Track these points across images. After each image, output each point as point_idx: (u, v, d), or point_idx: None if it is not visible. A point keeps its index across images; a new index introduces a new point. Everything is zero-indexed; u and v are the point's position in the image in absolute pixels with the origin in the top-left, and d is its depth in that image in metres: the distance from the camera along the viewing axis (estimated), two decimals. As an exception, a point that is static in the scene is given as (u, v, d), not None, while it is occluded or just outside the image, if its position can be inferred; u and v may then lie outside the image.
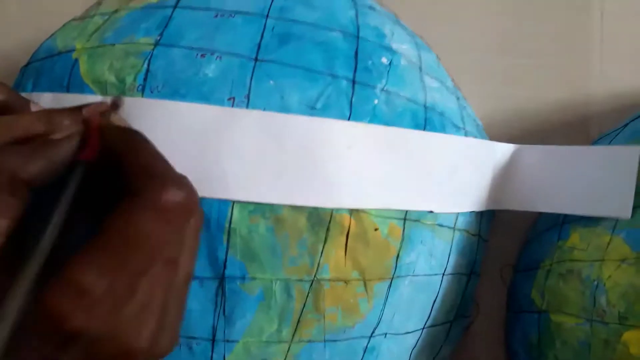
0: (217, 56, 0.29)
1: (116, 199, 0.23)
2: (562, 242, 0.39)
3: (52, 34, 0.37)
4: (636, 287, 0.32)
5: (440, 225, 0.34)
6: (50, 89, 0.31)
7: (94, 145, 0.24)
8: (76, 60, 0.31)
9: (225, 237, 0.29)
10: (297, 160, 0.29)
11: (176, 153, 0.27)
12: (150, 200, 0.22)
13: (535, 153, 0.38)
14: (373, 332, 0.32)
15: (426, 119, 0.33)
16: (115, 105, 0.27)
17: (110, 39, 0.31)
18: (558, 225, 0.40)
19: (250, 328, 0.29)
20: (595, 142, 0.46)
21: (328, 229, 0.30)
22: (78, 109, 0.27)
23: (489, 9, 0.51)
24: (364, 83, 0.31)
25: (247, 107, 0.29)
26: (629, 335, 0.32)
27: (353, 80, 0.31)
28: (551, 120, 0.49)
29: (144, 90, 0.29)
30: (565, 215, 0.40)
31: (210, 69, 0.29)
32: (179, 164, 0.26)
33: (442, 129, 0.34)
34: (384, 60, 0.33)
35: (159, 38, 0.30)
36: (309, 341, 0.30)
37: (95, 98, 0.29)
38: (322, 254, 0.30)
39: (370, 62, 0.32)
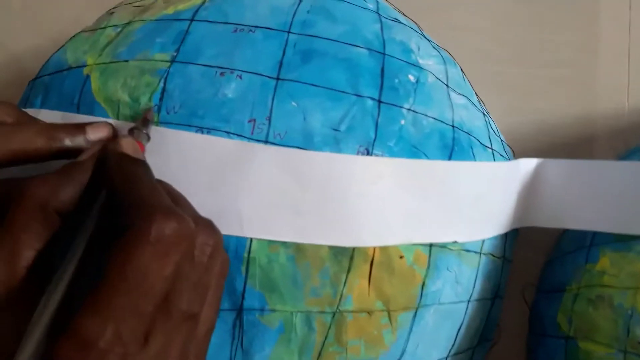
0: (237, 75, 0.28)
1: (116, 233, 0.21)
2: (591, 265, 0.37)
3: (62, 46, 0.35)
4: (675, 320, 0.30)
5: (467, 251, 0.33)
6: (60, 106, 0.30)
7: None
8: (87, 76, 0.30)
9: (243, 267, 0.27)
10: (317, 198, 0.27)
11: (190, 186, 0.26)
12: (140, 233, 0.20)
13: (561, 167, 0.37)
14: (396, 363, 0.31)
15: (454, 140, 0.32)
16: (146, 121, 0.25)
17: (124, 55, 0.30)
18: (585, 247, 0.38)
19: (269, 362, 0.28)
20: (622, 157, 0.44)
21: (352, 258, 0.28)
22: (81, 126, 0.26)
23: (509, 19, 0.50)
24: (391, 103, 0.30)
25: (268, 129, 0.27)
26: (667, 371, 0.30)
27: (379, 100, 0.29)
28: (574, 134, 0.47)
29: (159, 111, 0.27)
30: (593, 237, 0.38)
31: (230, 89, 0.28)
32: (193, 198, 0.25)
33: (469, 149, 0.33)
34: (411, 78, 0.31)
35: (175, 54, 0.29)
36: (330, 374, 0.29)
37: (107, 120, 0.28)
38: (346, 284, 0.28)
39: (396, 80, 0.30)
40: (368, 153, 0.29)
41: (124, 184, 0.22)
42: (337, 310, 0.28)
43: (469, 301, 0.34)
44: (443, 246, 0.31)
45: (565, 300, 0.38)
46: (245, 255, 0.27)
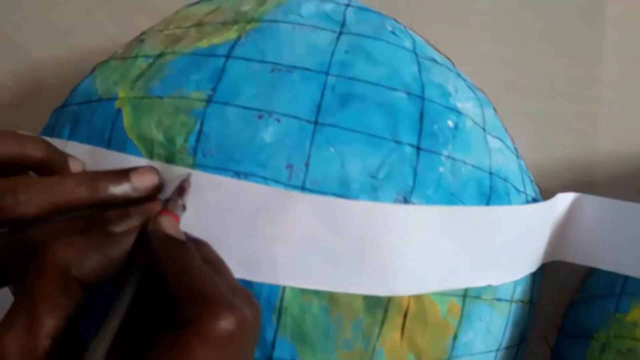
0: (276, 118, 0.27)
1: (162, 317, 0.21)
2: (621, 315, 0.36)
3: (91, 72, 0.34)
4: None
5: (499, 300, 0.32)
6: (90, 140, 0.29)
7: None
8: (119, 110, 0.29)
9: (274, 317, 0.26)
10: (353, 247, 0.26)
11: (225, 231, 0.25)
12: (202, 331, 0.20)
13: (597, 205, 0.36)
14: (425, 417, 0.30)
15: (491, 187, 0.31)
16: (182, 190, 0.24)
17: (158, 90, 0.29)
18: (615, 295, 0.38)
19: (298, 414, 0.27)
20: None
21: (386, 310, 0.27)
22: (124, 173, 0.25)
23: (536, 50, 0.49)
24: (429, 150, 0.29)
25: (305, 176, 0.27)
26: None
27: (417, 147, 0.29)
28: (601, 173, 0.47)
29: (195, 153, 0.27)
30: (624, 285, 0.37)
31: (268, 133, 0.27)
32: (228, 243, 0.24)
33: (506, 195, 0.32)
34: (450, 123, 0.30)
35: (211, 93, 0.28)
36: None
37: (140, 160, 0.27)
38: (379, 337, 0.27)
39: (436, 126, 0.30)
40: (406, 201, 0.28)
41: (174, 272, 0.21)
42: (369, 363, 0.27)
43: (497, 350, 0.33)
44: (477, 296, 0.30)
45: (593, 348, 0.37)
46: (278, 304, 0.26)
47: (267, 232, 0.26)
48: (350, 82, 0.29)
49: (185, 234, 0.25)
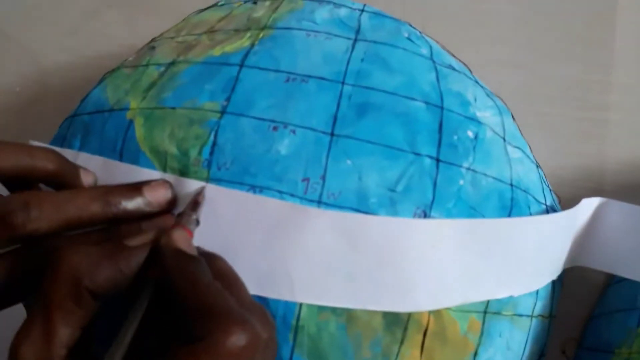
0: (291, 130, 0.26)
1: (173, 332, 0.20)
2: (644, 329, 0.35)
3: (101, 81, 0.34)
4: None
5: (520, 315, 0.31)
6: (101, 151, 0.28)
7: None
8: (131, 122, 0.28)
9: (291, 335, 0.26)
10: (372, 263, 0.25)
11: (241, 247, 0.24)
12: (212, 347, 0.19)
13: (624, 211, 0.35)
14: None
15: (512, 200, 0.30)
16: (196, 204, 0.24)
17: (170, 101, 0.28)
18: (636, 309, 0.37)
19: None
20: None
21: (405, 328, 0.27)
22: (137, 188, 0.25)
23: (552, 56, 0.48)
24: (449, 162, 0.28)
25: (322, 189, 0.26)
26: None
27: (437, 159, 0.28)
28: (622, 181, 0.46)
29: (210, 166, 0.26)
30: (646, 299, 0.36)
31: (284, 145, 0.26)
32: (243, 258, 0.23)
33: (527, 208, 0.31)
34: (470, 134, 0.29)
35: (225, 104, 0.27)
36: None
37: (153, 173, 0.26)
38: (398, 356, 0.27)
39: (455, 137, 0.29)
40: (425, 216, 0.27)
41: (184, 286, 0.21)
42: (387, 383, 0.27)
43: (517, 366, 0.32)
44: (497, 312, 0.30)
45: (614, 363, 0.36)
46: (294, 322, 0.26)
47: (283, 248, 0.25)
48: (367, 92, 0.28)
49: (199, 248, 0.24)
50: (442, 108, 0.29)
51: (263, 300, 0.25)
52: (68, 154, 0.29)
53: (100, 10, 0.54)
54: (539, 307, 0.33)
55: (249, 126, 0.26)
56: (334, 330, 0.26)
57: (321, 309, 0.26)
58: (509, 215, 0.30)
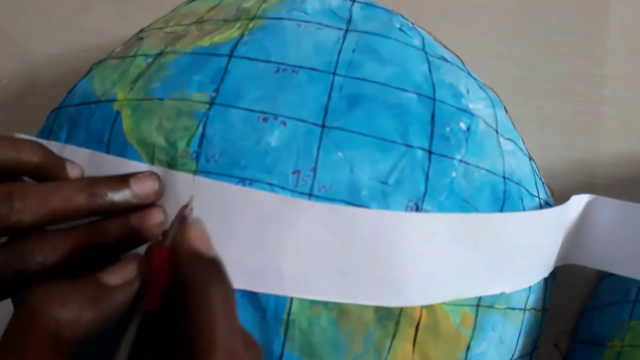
0: (281, 121, 0.26)
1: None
2: (636, 323, 0.35)
3: (88, 72, 0.33)
4: None
5: (512, 309, 0.31)
6: (88, 144, 0.28)
7: (156, 295, 0.20)
8: (118, 113, 0.28)
9: (282, 330, 0.25)
10: (364, 257, 0.25)
11: (230, 241, 0.24)
12: None
13: (613, 208, 0.35)
14: None
15: (505, 192, 0.30)
16: (184, 219, 0.23)
17: (158, 92, 0.28)
18: (629, 302, 0.37)
19: None
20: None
21: (397, 322, 0.26)
22: (124, 179, 0.24)
23: (548, 49, 0.48)
24: (442, 154, 0.28)
25: (313, 181, 0.25)
26: None
27: (429, 151, 0.27)
28: (615, 174, 0.45)
29: (198, 158, 0.25)
30: (638, 293, 0.36)
31: (274, 137, 0.26)
32: (232, 253, 0.23)
33: (519, 201, 0.31)
34: (462, 125, 0.29)
35: (214, 95, 0.27)
36: None
37: (140, 165, 0.26)
38: (390, 351, 0.26)
39: (447, 128, 0.28)
40: (417, 208, 0.27)
41: (198, 310, 0.19)
42: (379, 377, 0.26)
43: (510, 360, 0.32)
44: (490, 306, 0.29)
45: (607, 356, 0.36)
46: (285, 317, 0.25)
47: (274, 242, 0.25)
48: (359, 83, 0.28)
49: None
50: (434, 100, 0.29)
51: (253, 294, 0.25)
52: (54, 146, 0.28)
53: (91, 3, 0.53)
54: (532, 300, 0.33)
55: (239, 117, 0.26)
56: (325, 325, 0.25)
57: (312, 303, 0.25)
58: (502, 208, 0.29)
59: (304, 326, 0.25)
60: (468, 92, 0.31)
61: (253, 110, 0.26)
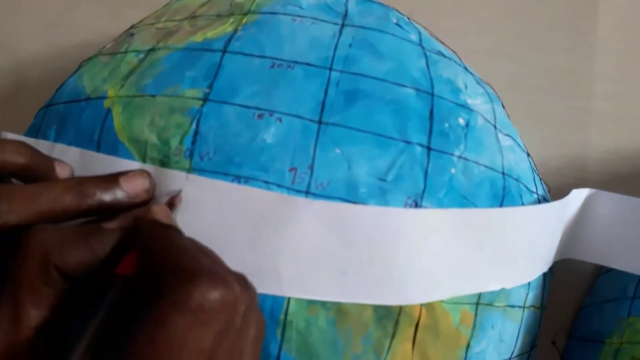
0: (277, 117, 0.25)
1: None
2: (635, 319, 0.35)
3: (77, 69, 0.32)
4: None
5: (512, 307, 0.30)
6: (77, 142, 0.27)
7: (132, 260, 0.20)
8: (109, 110, 0.27)
9: (279, 331, 0.25)
10: (363, 256, 0.24)
11: (226, 241, 0.23)
12: (179, 298, 0.18)
13: (614, 202, 0.34)
14: None
15: (504, 188, 0.29)
16: (172, 206, 0.23)
17: (150, 88, 0.27)
18: (627, 298, 0.36)
19: None
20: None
21: (397, 322, 0.26)
22: (113, 178, 0.23)
23: (542, 45, 0.47)
24: (441, 150, 0.27)
25: (310, 179, 0.25)
26: None
27: (428, 147, 0.27)
28: (609, 170, 0.45)
29: (192, 156, 0.25)
30: (637, 287, 0.36)
31: (269, 134, 0.25)
32: (228, 253, 0.22)
33: (519, 197, 0.30)
34: (461, 121, 0.29)
35: (208, 91, 0.26)
36: None
37: (132, 164, 0.25)
38: (389, 351, 0.26)
39: (446, 124, 0.28)
40: (416, 205, 0.26)
41: (158, 250, 0.20)
42: (379, 378, 0.26)
43: (510, 358, 0.32)
44: (489, 304, 0.29)
45: (606, 353, 0.36)
46: (282, 317, 0.25)
47: (270, 241, 0.24)
48: (356, 78, 0.27)
49: None
50: (432, 95, 0.28)
51: (249, 295, 0.24)
52: (43, 145, 0.28)
53: (80, 1, 0.53)
54: (531, 297, 0.32)
55: (233, 114, 0.25)
56: (323, 325, 0.25)
57: (310, 303, 0.25)
58: (501, 205, 0.29)
59: (302, 327, 0.25)
60: (466, 87, 0.31)
61: (248, 107, 0.26)
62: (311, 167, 0.25)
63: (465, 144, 0.28)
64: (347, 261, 0.25)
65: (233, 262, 0.23)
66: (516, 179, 0.31)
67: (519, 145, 0.34)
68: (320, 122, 0.26)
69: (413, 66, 0.29)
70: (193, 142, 0.25)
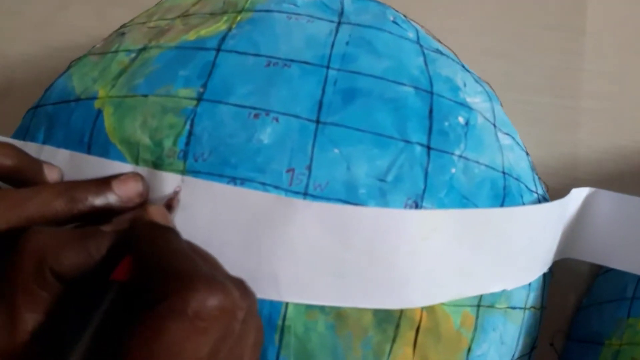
0: (274, 117, 0.25)
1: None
2: (634, 320, 0.35)
3: (66, 70, 0.31)
4: None
5: (513, 308, 0.30)
6: (67, 144, 0.26)
7: (128, 266, 0.20)
8: (99, 111, 0.26)
9: (277, 336, 0.24)
10: (363, 259, 0.24)
11: (222, 244, 0.23)
12: (176, 305, 0.17)
13: (613, 201, 0.34)
14: None
15: (505, 188, 0.29)
16: (170, 208, 0.22)
17: (142, 88, 0.26)
18: (626, 299, 0.36)
19: None
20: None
21: (397, 326, 0.25)
22: (105, 182, 0.23)
23: (538, 45, 0.47)
24: (441, 149, 0.27)
25: (308, 180, 0.24)
26: None
27: (428, 146, 0.26)
28: (607, 170, 0.45)
29: (186, 157, 0.24)
30: (636, 288, 0.36)
31: (266, 134, 0.24)
32: (225, 257, 0.22)
33: (519, 196, 0.30)
34: (461, 120, 0.28)
35: (202, 91, 0.25)
36: None
37: (124, 166, 0.24)
38: (390, 355, 0.25)
39: (446, 123, 0.27)
40: (417, 206, 0.25)
41: (155, 253, 0.19)
42: (380, 384, 0.25)
43: (511, 361, 0.31)
44: (490, 306, 0.28)
45: (605, 354, 0.36)
46: (280, 322, 0.24)
47: (267, 244, 0.23)
48: (353, 77, 0.27)
49: None
50: (431, 93, 0.28)
51: (246, 300, 0.24)
52: (31, 147, 0.27)
53: (69, 2, 0.52)
54: (532, 298, 0.32)
55: (228, 114, 0.25)
56: (322, 330, 0.24)
57: (309, 307, 0.24)
58: (502, 204, 0.28)
59: (300, 332, 0.24)
60: (465, 85, 0.30)
61: (243, 106, 0.25)
62: (309, 168, 0.24)
63: (465, 143, 0.27)
64: (347, 264, 0.24)
65: (229, 266, 0.22)
66: (517, 179, 0.30)
67: (518, 144, 0.33)
68: (318, 122, 0.25)
69: (411, 64, 0.29)
70: (187, 143, 0.24)
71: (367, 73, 0.27)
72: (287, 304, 0.24)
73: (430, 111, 0.27)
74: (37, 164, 0.24)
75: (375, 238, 0.24)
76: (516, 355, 0.32)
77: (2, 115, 0.49)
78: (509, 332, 0.30)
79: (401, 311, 0.25)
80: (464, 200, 0.27)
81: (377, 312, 0.25)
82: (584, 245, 0.34)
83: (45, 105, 0.29)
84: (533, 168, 0.35)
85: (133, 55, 0.29)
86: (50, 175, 0.24)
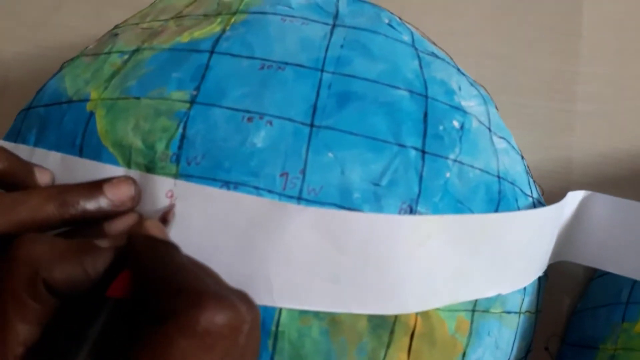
0: (267, 121, 0.24)
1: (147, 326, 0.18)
2: (629, 325, 0.35)
3: (59, 71, 0.31)
4: None
5: (508, 313, 0.30)
6: (59, 147, 0.26)
7: (127, 280, 0.19)
8: (91, 113, 0.26)
9: (270, 342, 0.24)
10: (357, 264, 0.24)
11: (215, 250, 0.22)
12: (184, 324, 0.17)
13: (609, 205, 0.34)
14: None
15: (500, 192, 0.29)
16: (165, 223, 0.22)
17: (135, 90, 0.26)
18: (621, 303, 0.36)
19: None
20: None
21: (392, 331, 0.25)
22: (97, 185, 0.22)
23: (533, 47, 0.47)
24: (435, 153, 0.27)
25: (302, 184, 0.24)
26: None
27: (422, 150, 0.26)
28: (601, 173, 0.45)
29: (179, 161, 0.24)
30: (631, 293, 0.36)
31: (260, 138, 0.24)
32: (218, 262, 0.22)
33: (514, 201, 0.30)
34: (456, 124, 0.28)
35: (195, 93, 0.25)
36: None
37: (116, 169, 0.24)
38: (384, 361, 0.25)
39: (441, 127, 0.27)
40: (411, 210, 0.25)
41: (158, 269, 0.19)
42: (374, 390, 0.25)
43: (505, 365, 0.31)
44: (485, 310, 0.28)
45: (600, 359, 0.36)
46: (273, 328, 0.24)
47: (260, 249, 0.23)
48: (348, 80, 0.27)
49: None
50: (426, 97, 0.28)
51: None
52: (22, 150, 0.27)
53: (64, 2, 0.51)
54: (527, 303, 0.32)
55: (221, 117, 0.24)
56: (316, 336, 0.24)
57: (302, 313, 0.24)
58: (497, 209, 0.28)
59: (294, 337, 0.24)
60: (460, 89, 0.30)
61: (237, 109, 0.25)
62: (303, 172, 0.24)
63: (460, 147, 0.27)
64: (341, 269, 0.24)
65: (222, 271, 0.22)
66: (511, 183, 0.30)
67: (513, 147, 0.33)
68: (312, 126, 0.25)
69: (406, 67, 0.28)
70: (180, 147, 0.24)
71: (361, 76, 0.27)
72: (280, 309, 0.24)
73: (425, 115, 0.27)
74: (28, 167, 0.24)
75: (370, 243, 0.24)
76: (511, 360, 0.32)
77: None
78: (504, 337, 0.30)
79: (396, 317, 0.25)
80: (459, 205, 0.27)
81: (371, 318, 0.25)
82: (579, 248, 0.34)
83: (37, 106, 0.29)
84: (528, 171, 0.35)
85: (126, 57, 0.28)
86: (42, 178, 0.24)
